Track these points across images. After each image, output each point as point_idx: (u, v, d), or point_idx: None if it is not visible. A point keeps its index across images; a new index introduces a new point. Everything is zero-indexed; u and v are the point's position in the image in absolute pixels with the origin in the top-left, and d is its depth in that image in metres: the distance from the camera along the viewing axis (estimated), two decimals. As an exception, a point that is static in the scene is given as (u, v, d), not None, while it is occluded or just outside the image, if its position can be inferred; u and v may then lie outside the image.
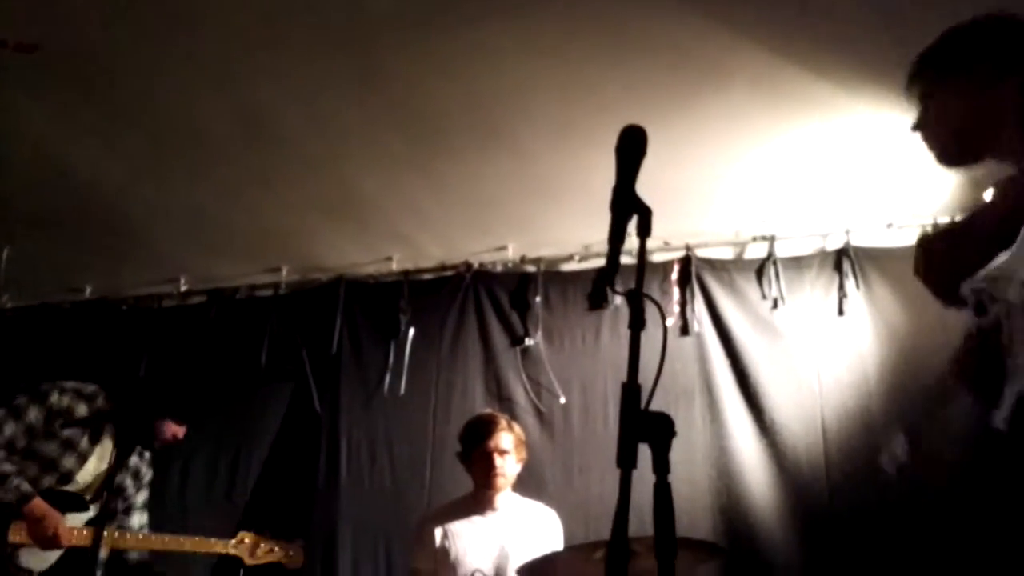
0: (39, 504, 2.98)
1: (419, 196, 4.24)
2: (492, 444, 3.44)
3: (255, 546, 3.13)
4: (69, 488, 3.13)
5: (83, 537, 3.04)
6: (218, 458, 4.57)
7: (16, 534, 3.02)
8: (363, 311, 4.77)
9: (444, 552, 3.41)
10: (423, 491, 4.29)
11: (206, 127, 3.77)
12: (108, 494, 3.15)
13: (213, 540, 3.13)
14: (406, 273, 4.77)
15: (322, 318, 4.73)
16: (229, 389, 4.49)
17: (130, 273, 4.90)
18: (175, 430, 3.26)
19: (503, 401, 4.40)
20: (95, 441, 3.19)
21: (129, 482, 3.30)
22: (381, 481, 4.40)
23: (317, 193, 4.19)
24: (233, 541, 3.11)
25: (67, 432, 3.13)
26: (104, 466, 3.20)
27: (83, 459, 3.14)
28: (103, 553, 3.14)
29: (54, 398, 3.14)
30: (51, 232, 4.51)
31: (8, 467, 3.02)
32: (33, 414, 3.12)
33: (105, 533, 2.97)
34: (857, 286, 4.24)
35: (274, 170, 4.02)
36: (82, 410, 3.17)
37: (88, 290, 5.08)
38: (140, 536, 3.27)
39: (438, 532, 3.45)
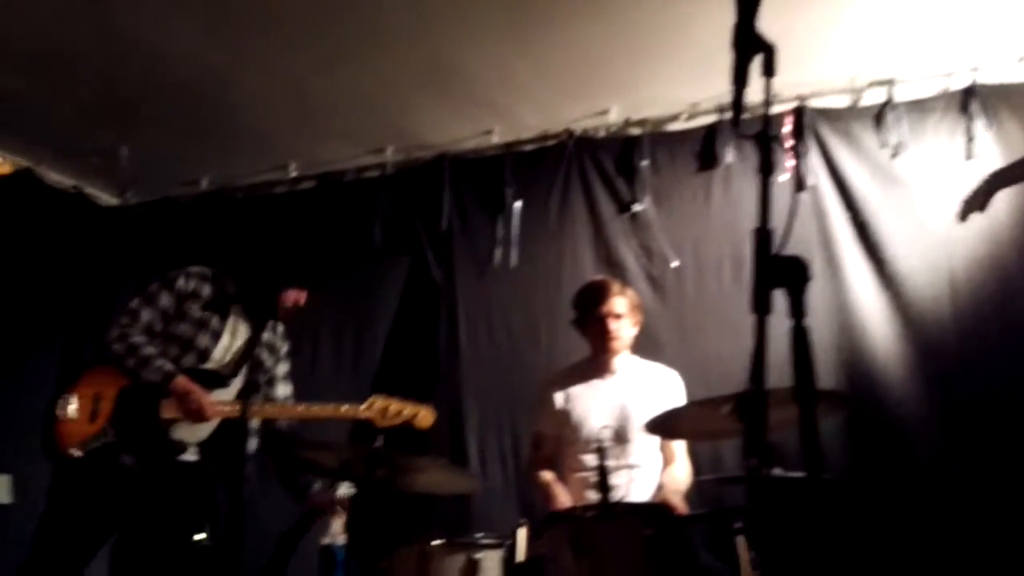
0: (182, 381, 3.11)
1: (516, 65, 4.15)
2: (605, 309, 3.45)
3: (385, 409, 3.19)
4: (208, 366, 3.28)
5: (232, 410, 3.18)
6: (343, 333, 4.71)
7: (167, 410, 3.16)
8: (469, 187, 4.77)
9: (565, 414, 3.48)
10: (540, 356, 4.34)
11: (298, 2, 3.71)
12: (249, 367, 3.27)
13: (344, 407, 3.21)
14: (508, 146, 4.73)
15: (430, 195, 4.76)
16: (346, 265, 4.57)
17: (242, 162, 4.99)
18: (296, 296, 3.32)
19: (613, 267, 4.38)
20: (224, 319, 3.32)
21: (265, 355, 3.43)
22: (499, 349, 4.47)
23: (414, 68, 4.13)
24: (363, 406, 3.19)
25: (197, 313, 3.27)
26: (238, 343, 3.33)
27: (216, 336, 3.27)
28: (254, 423, 3.29)
29: (180, 282, 3.27)
30: (164, 128, 4.60)
31: (151, 350, 3.17)
32: (164, 299, 3.26)
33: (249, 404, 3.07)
34: (987, 127, 3.99)
35: (367, 44, 3.96)
36: (207, 291, 3.29)
37: (204, 182, 5.21)
38: (280, 405, 3.40)
39: (559, 396, 3.51)
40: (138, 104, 4.39)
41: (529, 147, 4.72)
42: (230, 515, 2.86)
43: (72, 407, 3.14)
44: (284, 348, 3.53)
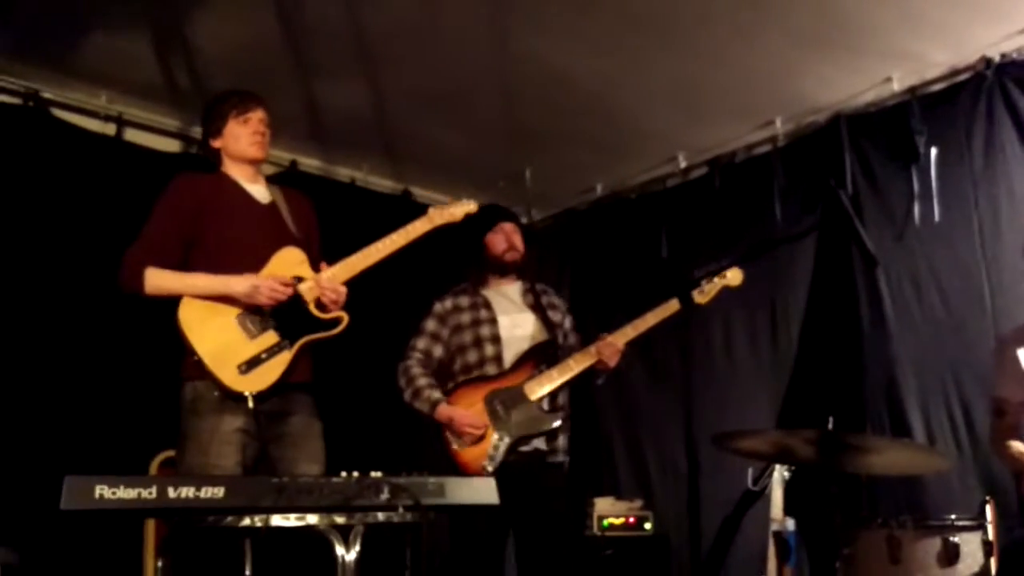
0: (443, 409, 3.17)
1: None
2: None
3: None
4: (504, 349, 3.29)
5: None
6: (754, 319, 4.59)
7: (452, 440, 3.21)
8: (872, 143, 4.38)
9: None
10: (985, 318, 3.85)
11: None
12: (545, 325, 3.31)
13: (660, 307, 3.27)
14: (911, 90, 4.27)
15: (829, 160, 4.43)
16: (751, 248, 4.44)
17: (632, 162, 5.03)
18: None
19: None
20: (488, 307, 3.38)
21: (552, 313, 3.45)
22: (933, 314, 4.05)
23: (799, 31, 3.88)
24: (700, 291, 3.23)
25: (466, 318, 3.36)
26: (522, 314, 3.36)
27: (493, 321, 3.33)
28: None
29: (437, 306, 3.42)
30: (560, 143, 4.74)
31: (423, 381, 3.27)
32: (431, 324, 3.40)
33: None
34: None
35: (749, 17, 3.79)
36: (464, 301, 3.41)
37: (598, 188, 5.33)
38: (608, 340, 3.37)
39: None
40: (536, 124, 4.56)
41: (937, 87, 4.23)
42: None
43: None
44: (561, 302, 3.54)
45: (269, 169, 3.72)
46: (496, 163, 4.87)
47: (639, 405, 4.99)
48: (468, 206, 2.99)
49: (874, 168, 4.36)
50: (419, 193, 5.19)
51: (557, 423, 3.20)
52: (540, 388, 3.22)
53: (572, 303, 4.11)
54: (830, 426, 2.59)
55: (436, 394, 3.21)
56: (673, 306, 3.20)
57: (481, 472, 3.05)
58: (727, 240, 4.57)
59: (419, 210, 2.92)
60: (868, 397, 4.02)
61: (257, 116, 2.81)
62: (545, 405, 3.24)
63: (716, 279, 3.24)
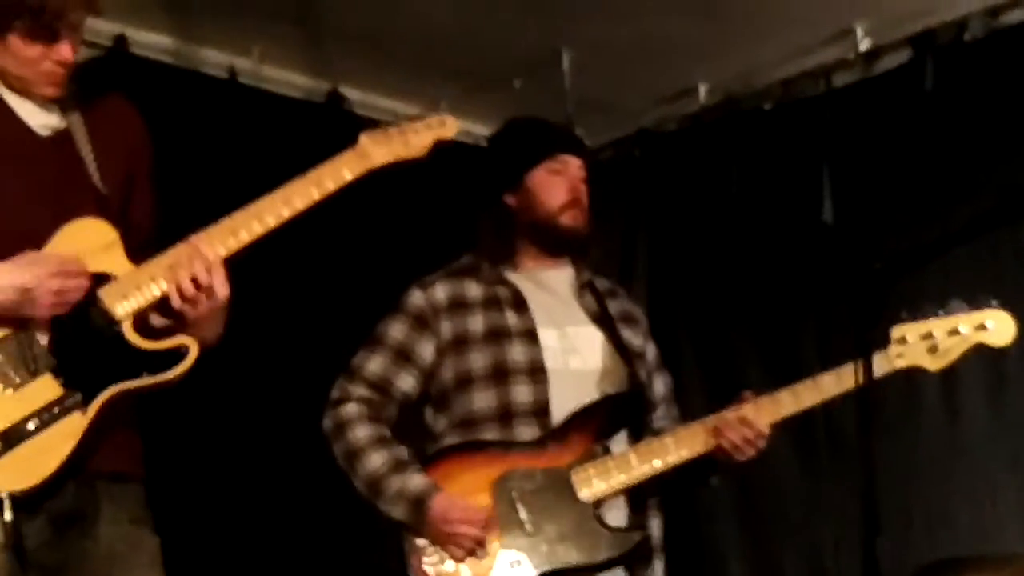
0: (438, 501, 2.39)
1: None
2: None
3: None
4: (551, 391, 2.44)
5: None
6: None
7: (426, 556, 2.49)
8: None
9: None
10: None
11: None
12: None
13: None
14: None
15: None
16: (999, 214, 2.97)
17: (769, 42, 3.51)
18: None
19: None
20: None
21: (627, 332, 2.69)
22: None
23: None
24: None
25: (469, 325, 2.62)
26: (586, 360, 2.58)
27: (531, 336, 2.59)
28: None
29: (414, 296, 2.68)
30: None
31: (381, 447, 2.49)
32: (398, 329, 2.67)
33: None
34: None
35: None
36: (471, 292, 2.73)
37: (702, 91, 3.82)
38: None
39: None
40: None
41: None
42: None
43: None
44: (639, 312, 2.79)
45: (84, 53, 2.59)
46: (505, 41, 3.48)
47: (780, 508, 3.63)
48: (442, 126, 2.21)
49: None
50: (357, 98, 3.82)
51: (633, 544, 2.40)
52: (600, 482, 2.42)
53: (650, 312, 3.15)
54: None
55: (416, 479, 2.39)
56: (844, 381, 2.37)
57: None
58: (951, 191, 3.12)
59: (355, 128, 2.14)
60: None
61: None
62: (614, 514, 2.42)
63: (962, 324, 2.34)
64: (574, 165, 2.57)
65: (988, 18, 3.17)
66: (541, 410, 2.46)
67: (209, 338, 2.00)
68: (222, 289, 1.96)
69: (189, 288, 1.94)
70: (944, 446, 3.26)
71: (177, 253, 1.95)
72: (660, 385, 2.63)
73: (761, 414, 2.40)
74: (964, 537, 3.05)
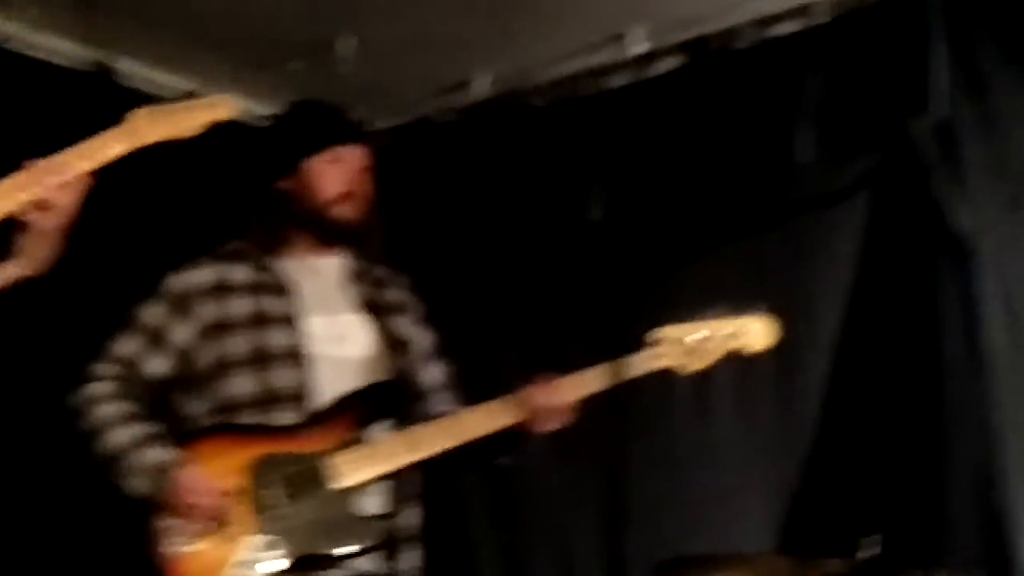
0: (185, 475, 2.33)
1: None
2: None
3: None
4: (315, 376, 2.43)
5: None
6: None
7: (170, 534, 2.37)
8: (986, 33, 2.89)
9: None
10: None
11: None
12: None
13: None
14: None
15: (905, 60, 2.99)
16: (756, 206, 3.13)
17: (547, 38, 3.55)
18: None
19: None
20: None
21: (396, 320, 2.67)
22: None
23: None
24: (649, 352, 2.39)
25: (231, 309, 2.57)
26: (353, 347, 2.60)
27: (292, 322, 2.59)
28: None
29: (172, 281, 2.67)
30: None
31: (129, 422, 2.43)
32: (153, 312, 2.66)
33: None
34: None
35: None
36: (236, 275, 2.67)
37: (480, 82, 3.79)
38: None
39: None
40: None
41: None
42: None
43: None
44: (414, 301, 2.68)
45: None
46: (284, 21, 3.37)
47: (533, 499, 3.56)
48: (219, 107, 2.09)
49: (988, 78, 2.92)
50: (129, 71, 3.62)
51: (387, 532, 2.34)
52: (359, 470, 2.30)
53: (429, 300, 2.89)
54: (872, 553, 2.15)
55: (162, 451, 2.24)
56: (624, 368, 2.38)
57: None
58: (718, 195, 3.19)
59: (127, 103, 2.03)
60: (952, 500, 2.84)
61: None
62: (373, 501, 2.33)
63: (723, 327, 2.37)
64: (354, 155, 2.50)
65: (759, 28, 3.27)
66: (303, 396, 2.40)
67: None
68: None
69: None
70: (695, 445, 3.25)
71: None
72: (436, 373, 2.57)
73: (569, 386, 2.40)
74: (712, 535, 3.07)
